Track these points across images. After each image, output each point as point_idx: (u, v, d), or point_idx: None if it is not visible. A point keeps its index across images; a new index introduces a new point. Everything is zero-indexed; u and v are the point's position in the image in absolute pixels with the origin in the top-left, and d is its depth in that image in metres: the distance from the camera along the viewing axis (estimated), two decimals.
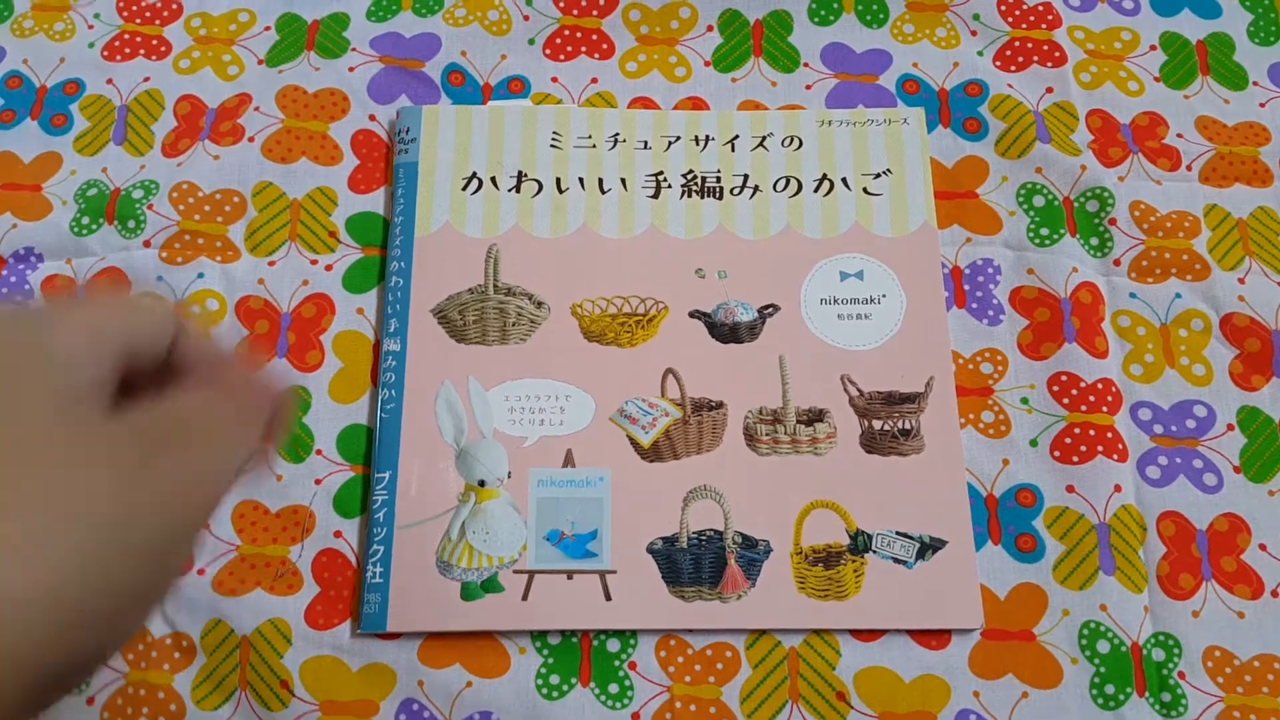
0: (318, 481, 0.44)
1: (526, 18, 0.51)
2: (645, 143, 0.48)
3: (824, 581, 0.42)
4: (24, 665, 0.23)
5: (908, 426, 0.44)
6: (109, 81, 0.50)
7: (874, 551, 0.42)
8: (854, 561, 0.42)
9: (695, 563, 0.42)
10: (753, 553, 0.42)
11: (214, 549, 0.43)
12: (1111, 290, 0.46)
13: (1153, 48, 0.51)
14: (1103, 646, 0.41)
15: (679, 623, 0.41)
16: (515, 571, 0.42)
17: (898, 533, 0.42)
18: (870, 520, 0.43)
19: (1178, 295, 0.46)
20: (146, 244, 0.47)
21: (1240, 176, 0.48)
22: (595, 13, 0.51)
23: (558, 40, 0.51)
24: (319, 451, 0.44)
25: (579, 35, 0.51)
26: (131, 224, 0.47)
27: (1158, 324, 0.46)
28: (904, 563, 0.42)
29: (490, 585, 0.42)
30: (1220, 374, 0.45)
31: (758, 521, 0.43)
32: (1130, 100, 0.50)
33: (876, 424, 0.44)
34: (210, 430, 0.28)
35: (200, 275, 0.46)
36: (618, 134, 0.48)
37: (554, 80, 0.50)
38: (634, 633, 0.42)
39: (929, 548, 0.42)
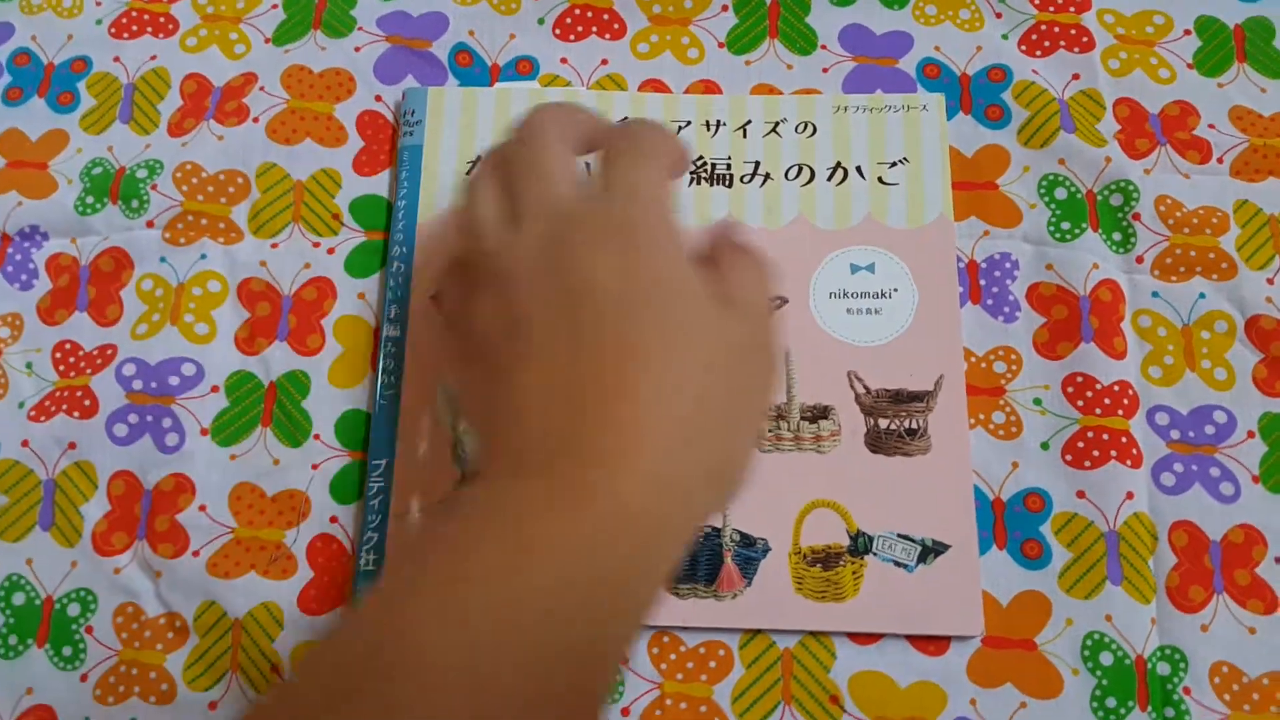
0: (315, 466, 0.43)
1: None
2: None
3: (822, 583, 0.41)
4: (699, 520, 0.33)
5: (914, 426, 0.43)
6: (116, 59, 0.49)
7: (874, 553, 0.41)
8: (853, 563, 0.41)
9: (691, 560, 0.41)
10: (750, 551, 0.42)
11: (209, 531, 0.43)
12: (1133, 288, 0.45)
13: (1187, 32, 0.49)
14: (1106, 658, 0.40)
15: (672, 620, 0.41)
16: None
17: (899, 535, 0.41)
18: (872, 521, 0.42)
19: (1202, 295, 0.44)
20: (150, 224, 0.47)
21: (1274, 170, 0.46)
22: None
23: (568, 20, 0.50)
24: (317, 436, 0.44)
25: (589, 15, 0.50)
26: (135, 204, 0.47)
27: (1180, 325, 0.44)
28: (905, 566, 0.41)
29: None
30: (1243, 378, 0.43)
31: (757, 520, 0.42)
32: (1160, 88, 0.48)
33: (883, 422, 0.43)
34: (772, 363, 0.34)
35: (203, 256, 0.46)
36: (626, 118, 0.47)
37: (563, 61, 0.49)
38: None
39: (931, 551, 0.41)
